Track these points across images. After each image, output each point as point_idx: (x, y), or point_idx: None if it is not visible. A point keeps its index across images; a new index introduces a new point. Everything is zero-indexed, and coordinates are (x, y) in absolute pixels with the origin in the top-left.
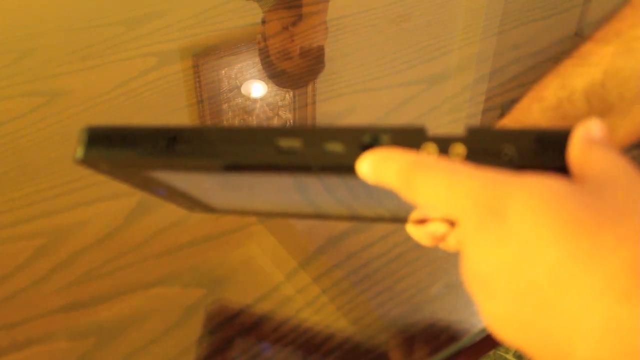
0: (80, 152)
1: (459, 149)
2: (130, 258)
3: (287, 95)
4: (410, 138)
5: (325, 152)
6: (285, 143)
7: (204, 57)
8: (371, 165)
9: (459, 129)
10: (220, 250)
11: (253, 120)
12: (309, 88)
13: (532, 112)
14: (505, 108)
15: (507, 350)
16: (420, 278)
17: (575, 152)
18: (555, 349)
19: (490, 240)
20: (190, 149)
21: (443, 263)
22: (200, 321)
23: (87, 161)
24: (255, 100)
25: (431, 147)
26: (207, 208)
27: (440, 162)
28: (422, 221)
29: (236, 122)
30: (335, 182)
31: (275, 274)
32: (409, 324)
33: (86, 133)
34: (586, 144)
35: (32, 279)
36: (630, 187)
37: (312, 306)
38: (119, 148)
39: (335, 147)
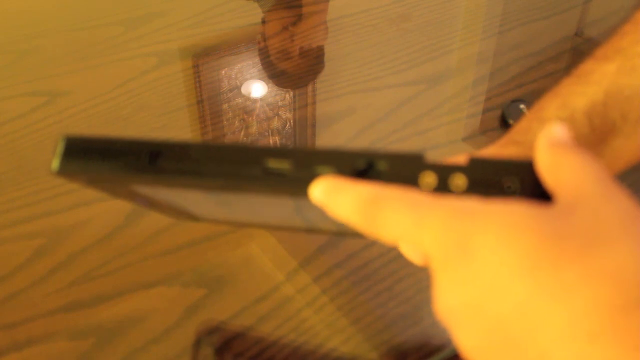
0: (56, 163)
1: (460, 179)
2: (130, 258)
3: (287, 95)
4: (408, 165)
5: (316, 176)
6: (273, 164)
7: (204, 57)
8: (323, 195)
9: (459, 129)
10: (220, 250)
11: (253, 120)
12: (309, 88)
13: (531, 133)
14: (506, 108)
15: None
16: (420, 278)
17: (544, 161)
18: None
19: (458, 278)
20: (174, 166)
21: None
22: (200, 321)
23: (63, 173)
24: (255, 100)
25: (430, 176)
26: (192, 217)
27: (403, 195)
28: None
29: (236, 122)
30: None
31: (275, 274)
32: (409, 324)
33: (63, 143)
34: (552, 149)
35: (32, 279)
36: (599, 207)
37: (312, 306)
38: (98, 161)
39: (327, 171)
